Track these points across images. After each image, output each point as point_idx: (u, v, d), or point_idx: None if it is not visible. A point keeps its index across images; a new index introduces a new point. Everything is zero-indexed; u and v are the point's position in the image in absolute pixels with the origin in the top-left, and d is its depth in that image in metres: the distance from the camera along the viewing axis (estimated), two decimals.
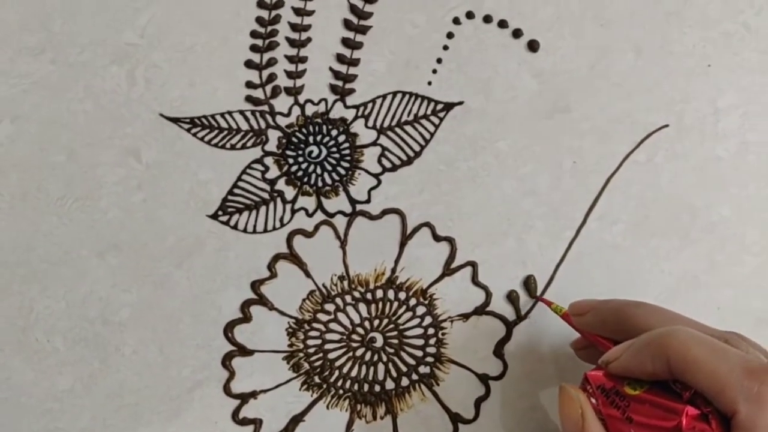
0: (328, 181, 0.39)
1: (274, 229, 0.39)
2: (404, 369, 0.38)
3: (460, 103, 0.40)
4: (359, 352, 0.38)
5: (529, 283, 0.38)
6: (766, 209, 0.39)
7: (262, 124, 0.40)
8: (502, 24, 0.40)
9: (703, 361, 0.26)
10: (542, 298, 0.38)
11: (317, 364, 0.38)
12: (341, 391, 0.38)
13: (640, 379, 0.28)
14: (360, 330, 0.38)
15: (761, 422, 0.24)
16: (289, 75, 0.40)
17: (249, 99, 0.40)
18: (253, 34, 0.40)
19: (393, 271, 0.39)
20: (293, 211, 0.39)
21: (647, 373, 0.28)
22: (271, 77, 0.40)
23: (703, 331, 0.28)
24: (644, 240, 0.39)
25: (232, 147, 0.39)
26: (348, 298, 0.39)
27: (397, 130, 0.40)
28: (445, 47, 0.40)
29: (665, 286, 0.39)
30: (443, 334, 0.38)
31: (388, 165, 0.40)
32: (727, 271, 0.39)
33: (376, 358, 0.38)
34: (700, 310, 0.37)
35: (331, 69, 0.40)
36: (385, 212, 0.39)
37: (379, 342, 0.38)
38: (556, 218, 0.39)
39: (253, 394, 0.38)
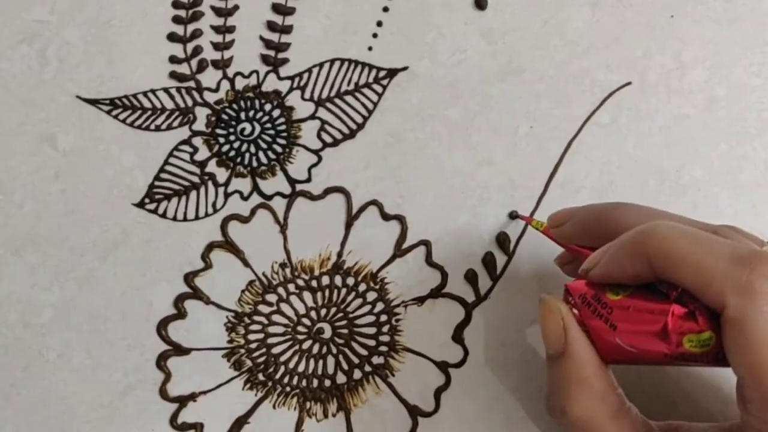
0: (264, 160, 0.39)
1: (207, 215, 0.39)
2: (356, 361, 0.38)
3: (405, 68, 0.40)
4: (306, 345, 0.38)
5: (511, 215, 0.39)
6: (740, 168, 0.39)
7: (189, 102, 0.39)
8: None
9: (686, 254, 0.25)
10: (521, 216, 0.38)
11: (261, 360, 0.38)
12: (288, 389, 0.37)
13: (623, 284, 0.28)
14: (306, 321, 0.38)
15: (752, 315, 0.23)
16: (216, 47, 0.40)
17: (173, 75, 0.40)
18: (175, 5, 0.40)
19: (339, 255, 0.39)
20: (227, 195, 0.39)
21: (628, 276, 0.27)
22: (197, 50, 0.40)
23: (689, 225, 0.27)
24: None
25: (157, 128, 0.39)
26: (291, 287, 0.38)
27: (337, 101, 0.40)
28: (385, 9, 0.41)
29: None
30: (397, 320, 0.38)
31: (328, 140, 0.39)
32: None
33: (324, 350, 0.38)
34: None
35: (261, 38, 0.40)
36: (328, 191, 0.39)
37: (328, 333, 0.38)
38: (515, 188, 0.39)
39: (192, 397, 0.37)
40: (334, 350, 0.38)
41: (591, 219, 0.32)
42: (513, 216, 0.38)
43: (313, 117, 0.39)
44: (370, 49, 0.40)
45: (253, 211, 0.39)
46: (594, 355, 0.28)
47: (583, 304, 0.29)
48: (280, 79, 0.39)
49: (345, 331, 0.38)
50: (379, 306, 0.38)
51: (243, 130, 0.39)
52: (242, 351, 0.38)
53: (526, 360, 0.37)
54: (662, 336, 0.26)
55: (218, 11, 0.40)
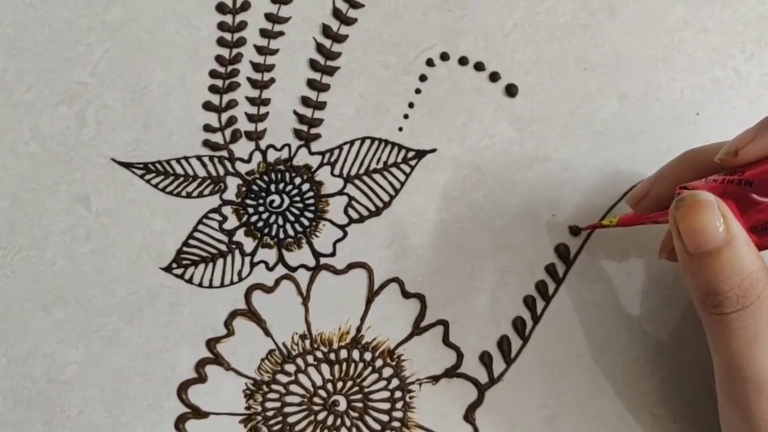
0: (291, 232, 0.46)
1: (232, 283, 0.46)
2: None
3: (433, 150, 0.48)
4: (321, 416, 0.45)
5: (572, 229, 0.47)
6: None
7: (221, 171, 0.46)
8: (479, 66, 0.47)
9: None
10: (588, 226, 0.46)
11: (276, 428, 0.45)
12: None
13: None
14: (322, 392, 0.45)
15: None
16: (251, 118, 0.47)
17: (207, 143, 0.47)
18: (213, 74, 0.47)
19: (358, 329, 0.46)
20: (252, 265, 0.46)
21: None
22: (231, 120, 0.47)
23: None
24: (626, 299, 0.45)
25: (188, 195, 0.46)
26: (310, 359, 0.45)
27: (365, 178, 0.47)
28: (418, 91, 0.48)
29: (647, 348, 0.45)
30: (411, 397, 0.45)
31: (354, 216, 0.47)
32: None
33: (339, 422, 0.45)
34: (687, 373, 0.44)
35: (295, 112, 0.48)
36: (351, 266, 0.47)
37: (343, 405, 0.45)
38: (534, 275, 0.46)
39: None
40: (348, 423, 0.45)
41: (683, 166, 0.40)
42: (576, 231, 0.46)
43: (341, 193, 0.47)
44: (400, 129, 0.47)
45: (277, 282, 0.46)
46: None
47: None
48: (311, 153, 0.47)
49: (360, 404, 0.45)
50: (395, 382, 0.45)
51: (272, 201, 0.46)
52: (259, 418, 0.45)
53: None
54: None
55: (254, 83, 0.47)
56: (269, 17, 0.48)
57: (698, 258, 0.34)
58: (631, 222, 0.43)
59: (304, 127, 0.47)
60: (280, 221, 0.47)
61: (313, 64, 0.48)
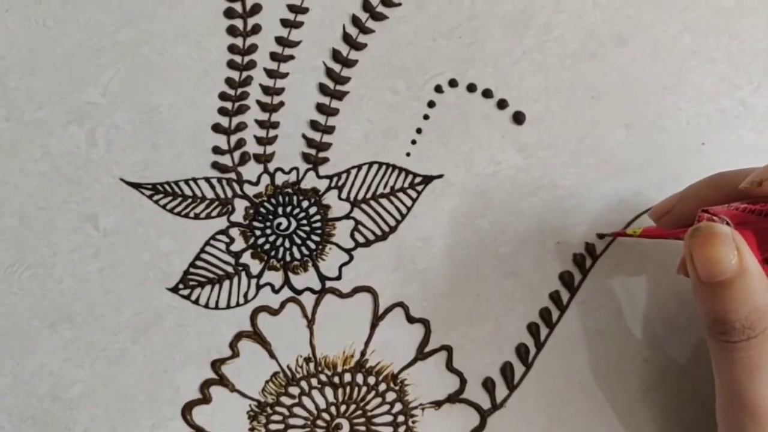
0: (297, 255, 0.48)
1: (238, 305, 0.48)
2: None
3: (440, 176, 0.49)
4: None
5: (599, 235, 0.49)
6: None
7: (229, 193, 0.48)
8: (487, 93, 0.49)
9: None
10: (613, 233, 0.48)
11: None
12: None
13: None
14: (325, 416, 0.47)
15: None
16: (259, 141, 0.49)
17: (215, 165, 0.49)
18: (222, 96, 0.49)
19: (363, 353, 0.48)
20: (258, 287, 0.48)
21: None
22: (240, 143, 0.49)
23: None
24: (629, 328, 0.47)
25: (196, 216, 0.48)
26: (314, 382, 0.47)
27: (372, 203, 0.48)
28: (426, 116, 0.50)
29: (649, 375, 0.47)
30: (414, 422, 0.47)
31: (361, 240, 0.49)
32: None
33: None
34: (687, 402, 0.46)
35: (304, 136, 0.50)
36: (357, 290, 0.49)
37: (346, 429, 0.47)
38: (538, 302, 0.47)
39: None
40: None
41: (708, 188, 0.42)
42: (601, 236, 0.49)
43: (347, 217, 0.49)
44: (408, 155, 0.49)
45: (282, 305, 0.48)
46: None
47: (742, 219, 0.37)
48: (319, 177, 0.49)
49: (362, 428, 0.47)
50: (398, 407, 0.47)
51: (279, 224, 0.48)
52: None
53: None
54: None
55: (264, 106, 0.49)
56: (280, 41, 0.50)
57: (709, 287, 0.36)
58: (654, 235, 0.45)
59: (313, 151, 0.49)
60: (287, 244, 0.48)
61: (323, 89, 0.50)
